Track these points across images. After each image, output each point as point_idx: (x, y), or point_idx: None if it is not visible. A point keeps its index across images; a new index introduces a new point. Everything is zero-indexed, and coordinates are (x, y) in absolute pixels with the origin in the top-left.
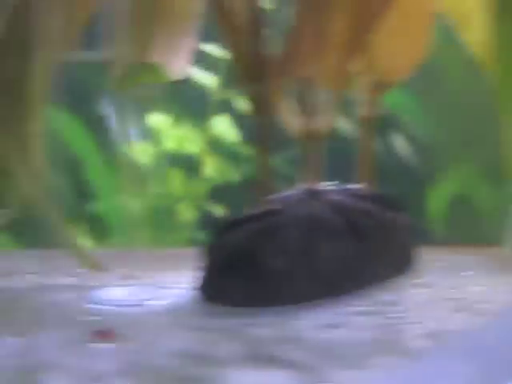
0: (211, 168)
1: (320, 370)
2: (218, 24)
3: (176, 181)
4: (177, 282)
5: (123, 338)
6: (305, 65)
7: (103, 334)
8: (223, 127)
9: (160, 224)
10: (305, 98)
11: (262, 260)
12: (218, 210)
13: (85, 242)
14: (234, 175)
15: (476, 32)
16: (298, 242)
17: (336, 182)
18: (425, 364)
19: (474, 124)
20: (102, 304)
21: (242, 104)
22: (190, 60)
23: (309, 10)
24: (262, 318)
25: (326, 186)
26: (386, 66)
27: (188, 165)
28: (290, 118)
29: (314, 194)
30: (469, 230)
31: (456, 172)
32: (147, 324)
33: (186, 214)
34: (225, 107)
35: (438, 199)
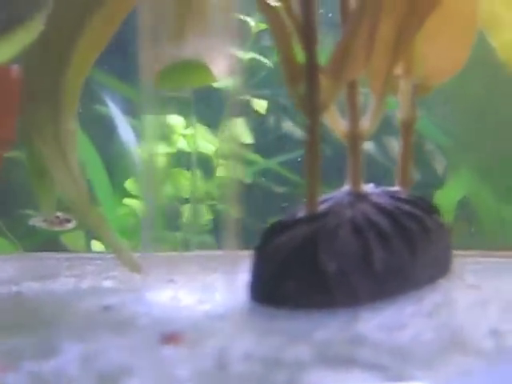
0: (225, 169)
1: (398, 370)
2: (270, 27)
3: (189, 181)
4: (222, 285)
5: (191, 343)
6: (354, 69)
7: (172, 338)
8: (239, 129)
9: (171, 225)
10: (351, 101)
11: (318, 262)
12: (232, 212)
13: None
14: (248, 177)
15: (502, 36)
16: (352, 244)
17: (375, 185)
18: (499, 368)
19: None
20: (153, 307)
21: (258, 106)
22: (230, 61)
23: (358, 15)
24: (323, 320)
25: (368, 188)
26: (428, 70)
27: (203, 166)
28: (337, 121)
29: (358, 197)
30: (473, 234)
31: (463, 175)
32: (210, 328)
33: (200, 215)
34: (241, 110)
35: (444, 202)
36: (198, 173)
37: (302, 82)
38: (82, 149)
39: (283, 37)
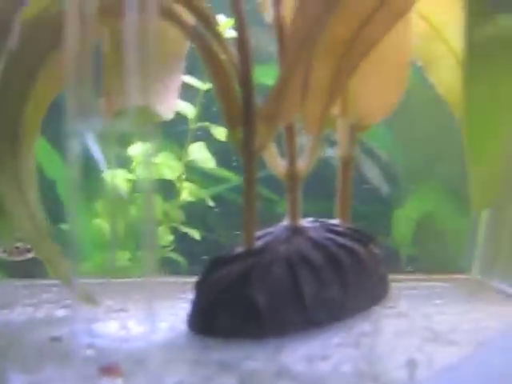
0: (187, 193)
1: None
2: (208, 71)
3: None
4: (166, 314)
5: (127, 374)
6: (289, 112)
7: (110, 369)
8: (200, 154)
9: (137, 247)
10: (288, 142)
11: (250, 295)
12: (194, 233)
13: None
14: (209, 199)
15: (440, 74)
16: (284, 279)
17: (315, 219)
18: None
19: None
20: (100, 338)
21: (219, 132)
22: (177, 98)
23: (294, 60)
24: (252, 351)
25: (307, 222)
26: (362, 110)
27: (166, 190)
28: (275, 161)
29: (295, 231)
30: (434, 252)
31: (422, 195)
32: (146, 358)
33: (163, 236)
34: (202, 135)
35: (404, 221)
36: (160, 197)
37: (240, 126)
38: (53, 167)
39: (222, 83)
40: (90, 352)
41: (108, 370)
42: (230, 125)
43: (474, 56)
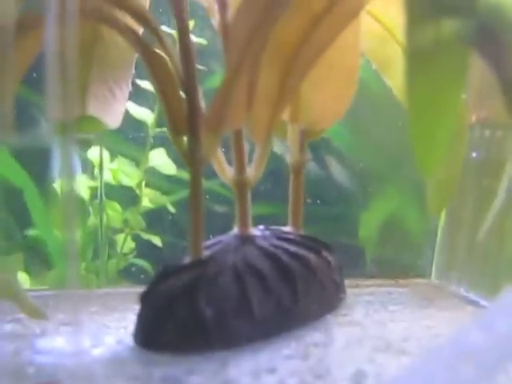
0: (148, 199)
1: None
2: (151, 78)
3: (113, 212)
4: (114, 328)
5: None
6: (234, 119)
7: None
8: (160, 160)
9: (98, 255)
10: (236, 149)
11: (196, 308)
12: (155, 239)
13: (22, 275)
14: (170, 205)
15: (395, 77)
16: (231, 289)
17: (265, 227)
18: None
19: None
20: (44, 354)
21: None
22: (124, 107)
23: (239, 66)
24: (198, 364)
25: (256, 230)
26: (312, 116)
27: (125, 197)
28: (224, 168)
29: (244, 240)
30: (398, 254)
31: (387, 195)
32: (89, 374)
33: (125, 244)
34: (161, 140)
35: (369, 222)
36: (120, 204)
37: (185, 134)
38: (16, 175)
39: (166, 89)
40: (31, 369)
41: None
42: (175, 133)
43: (416, 60)
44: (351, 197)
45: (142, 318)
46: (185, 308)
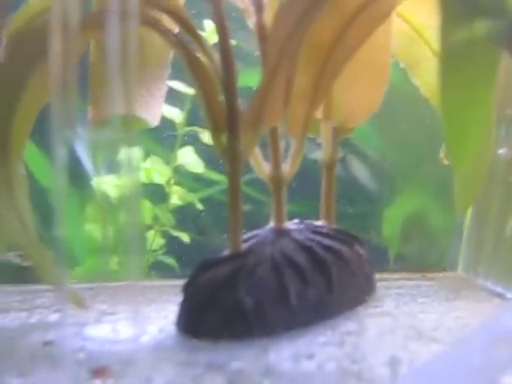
0: (177, 197)
1: None
2: (191, 77)
3: (144, 210)
4: (157, 317)
5: (118, 376)
6: (272, 116)
7: (100, 372)
8: (189, 158)
9: (125, 251)
10: (272, 145)
11: (236, 297)
12: (184, 236)
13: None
14: (199, 202)
15: (423, 75)
16: (269, 280)
17: (299, 221)
18: None
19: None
20: (90, 341)
21: (206, 136)
22: (162, 106)
23: (277, 66)
24: (239, 351)
25: (291, 224)
26: (345, 114)
27: (156, 194)
28: (260, 165)
29: (280, 233)
30: (422, 251)
31: (411, 193)
32: (137, 361)
33: (154, 240)
34: (190, 139)
35: (392, 219)
36: (151, 201)
37: (225, 132)
38: (46, 175)
39: (207, 89)
40: (81, 355)
41: (100, 372)
42: (215, 130)
43: (450, 60)
44: (373, 195)
45: (184, 307)
46: (226, 297)
